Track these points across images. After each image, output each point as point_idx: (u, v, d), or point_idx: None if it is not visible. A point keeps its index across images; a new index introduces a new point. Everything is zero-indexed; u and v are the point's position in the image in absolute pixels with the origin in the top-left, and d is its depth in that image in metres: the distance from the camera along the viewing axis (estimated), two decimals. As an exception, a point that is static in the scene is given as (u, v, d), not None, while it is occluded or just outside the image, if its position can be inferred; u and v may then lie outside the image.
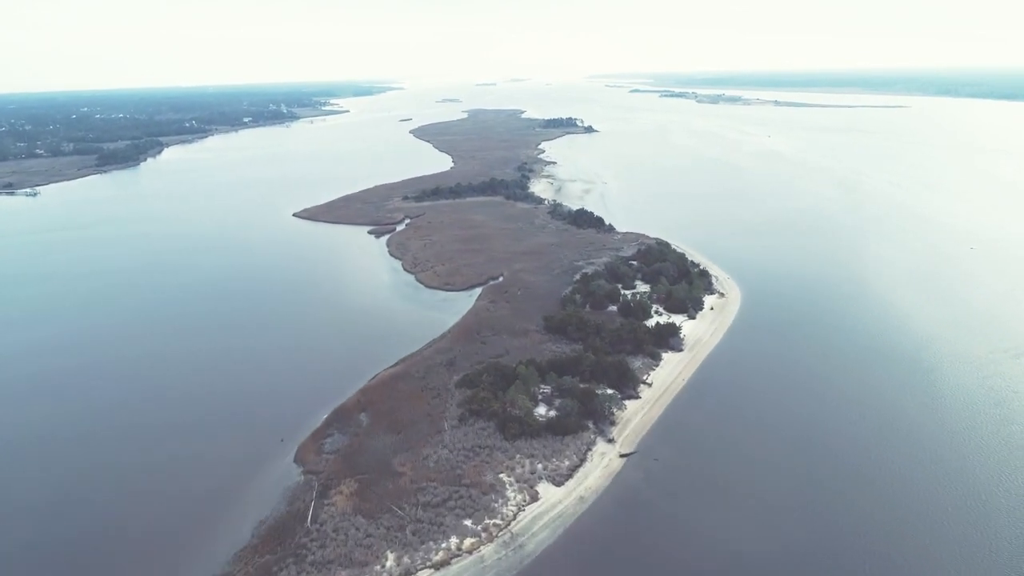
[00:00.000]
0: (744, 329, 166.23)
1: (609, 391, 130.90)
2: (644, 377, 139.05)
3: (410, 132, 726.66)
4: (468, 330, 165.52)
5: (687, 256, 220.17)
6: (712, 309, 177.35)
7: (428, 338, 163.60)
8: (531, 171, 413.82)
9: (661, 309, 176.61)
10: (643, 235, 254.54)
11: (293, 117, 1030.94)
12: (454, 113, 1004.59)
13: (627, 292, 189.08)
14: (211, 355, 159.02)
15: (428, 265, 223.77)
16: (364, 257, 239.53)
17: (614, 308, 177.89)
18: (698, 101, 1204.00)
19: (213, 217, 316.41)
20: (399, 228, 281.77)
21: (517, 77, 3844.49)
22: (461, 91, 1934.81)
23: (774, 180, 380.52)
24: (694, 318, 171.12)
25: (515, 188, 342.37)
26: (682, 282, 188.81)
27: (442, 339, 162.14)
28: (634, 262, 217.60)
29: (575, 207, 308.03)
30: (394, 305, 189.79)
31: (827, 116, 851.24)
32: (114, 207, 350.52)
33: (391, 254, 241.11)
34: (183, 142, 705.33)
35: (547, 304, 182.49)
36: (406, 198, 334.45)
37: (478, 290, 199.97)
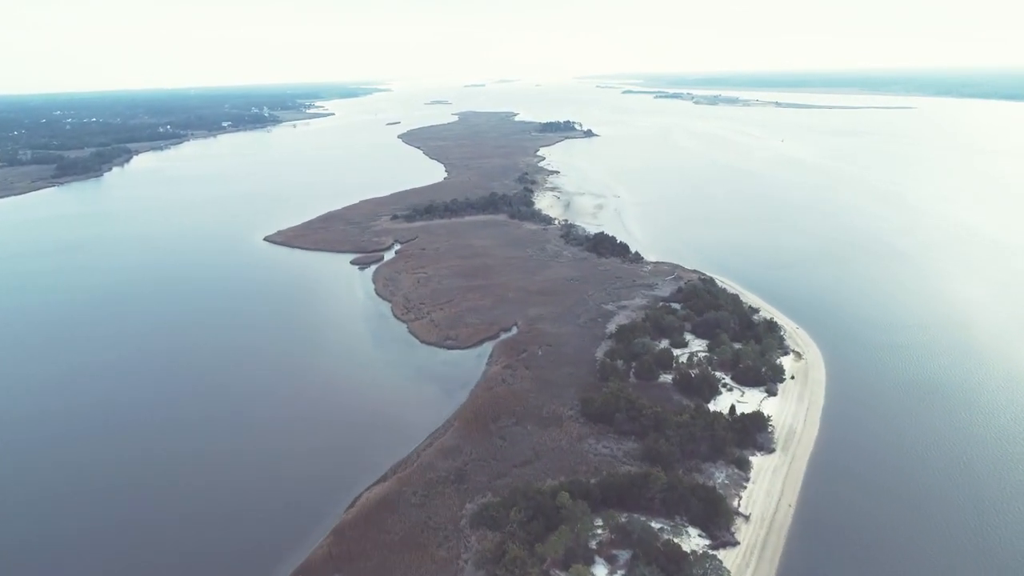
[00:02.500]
0: (844, 409, 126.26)
1: (694, 534, 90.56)
2: (736, 504, 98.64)
3: (398, 137, 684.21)
4: (480, 415, 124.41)
5: (740, 297, 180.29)
6: (793, 378, 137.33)
7: (427, 428, 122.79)
8: (533, 182, 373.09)
9: (728, 379, 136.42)
10: (678, 266, 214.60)
11: (275, 121, 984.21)
12: (444, 116, 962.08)
13: (678, 351, 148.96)
14: (119, 472, 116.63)
15: (423, 310, 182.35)
16: (344, 299, 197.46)
17: (667, 378, 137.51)
18: (695, 102, 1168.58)
19: (169, 243, 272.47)
20: (387, 256, 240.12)
21: (506, 78, 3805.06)
22: (450, 92, 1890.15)
23: (805, 193, 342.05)
24: (775, 393, 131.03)
25: (519, 204, 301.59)
26: (749, 340, 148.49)
27: (446, 430, 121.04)
28: (676, 305, 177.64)
29: (591, 228, 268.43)
30: (381, 373, 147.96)
31: (834, 118, 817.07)
32: (59, 230, 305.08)
33: (378, 293, 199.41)
34: (155, 149, 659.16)
35: (579, 371, 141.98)
36: (395, 217, 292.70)
37: (488, 346, 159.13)
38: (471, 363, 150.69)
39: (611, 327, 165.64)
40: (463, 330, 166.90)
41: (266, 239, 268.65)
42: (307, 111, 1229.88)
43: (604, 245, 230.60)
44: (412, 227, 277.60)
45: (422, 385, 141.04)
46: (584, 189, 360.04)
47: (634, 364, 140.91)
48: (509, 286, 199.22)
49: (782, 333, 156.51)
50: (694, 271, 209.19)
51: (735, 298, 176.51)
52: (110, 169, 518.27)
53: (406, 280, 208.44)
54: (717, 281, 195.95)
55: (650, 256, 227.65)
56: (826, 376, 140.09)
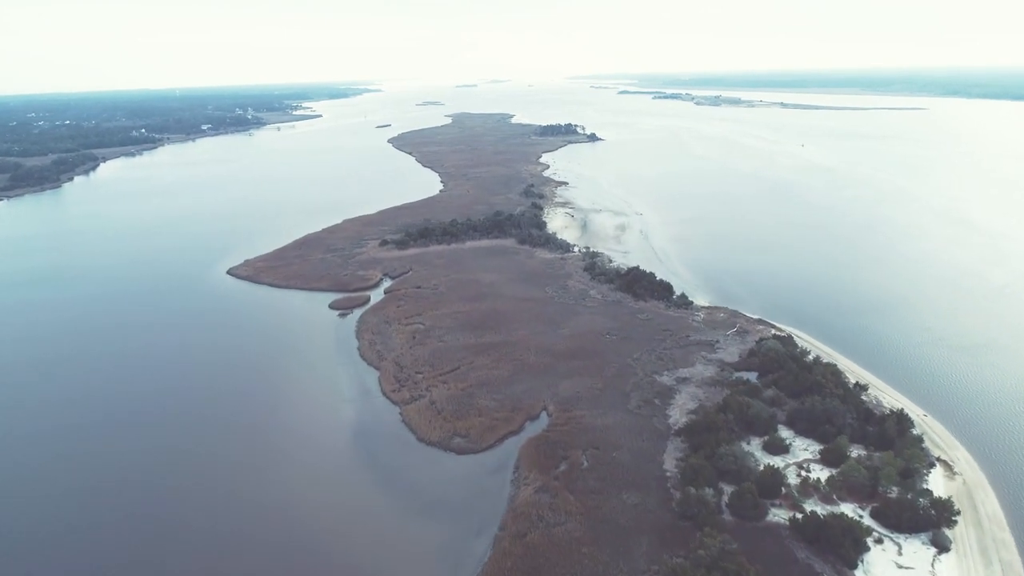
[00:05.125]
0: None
1: None
2: None
3: (389, 141, 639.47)
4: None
5: (836, 365, 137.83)
6: (959, 514, 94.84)
7: (432, 619, 79.58)
8: (541, 196, 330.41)
9: (865, 516, 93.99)
10: (737, 313, 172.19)
11: (259, 123, 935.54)
12: (436, 118, 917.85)
13: (779, 461, 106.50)
14: None
15: (421, 383, 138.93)
16: (317, 364, 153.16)
17: (779, 515, 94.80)
18: (696, 103, 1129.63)
19: (110, 279, 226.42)
20: (375, 297, 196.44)
21: (498, 79, 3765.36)
22: (441, 93, 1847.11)
23: (852, 209, 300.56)
24: (947, 547, 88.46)
25: (529, 227, 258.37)
26: (886, 450, 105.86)
27: (462, 628, 77.89)
28: (751, 376, 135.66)
29: (616, 256, 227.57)
30: (360, 503, 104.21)
31: (846, 120, 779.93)
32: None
33: (362, 355, 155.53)
34: (126, 155, 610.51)
35: (647, 499, 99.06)
36: (385, 243, 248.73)
37: (510, 446, 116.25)
38: (490, 480, 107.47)
39: (674, 414, 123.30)
40: (475, 420, 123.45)
41: (230, 272, 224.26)
42: (293, 112, 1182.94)
43: (641, 284, 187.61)
44: (405, 256, 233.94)
45: (420, 526, 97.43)
46: (600, 204, 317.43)
47: (726, 490, 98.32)
48: (529, 344, 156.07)
49: (919, 432, 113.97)
50: (759, 320, 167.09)
51: (832, 369, 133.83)
52: (71, 179, 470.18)
53: (398, 335, 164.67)
54: (794, 336, 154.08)
55: (698, 297, 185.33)
56: (999, 503, 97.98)
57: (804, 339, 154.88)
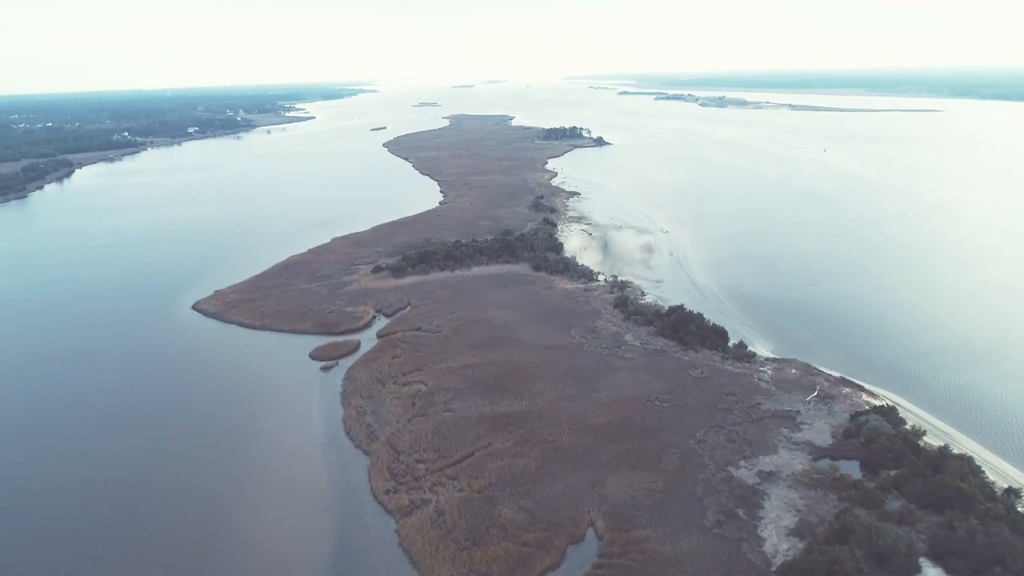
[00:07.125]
0: None
1: None
2: None
3: (383, 145, 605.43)
4: None
5: (973, 459, 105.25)
6: None
7: None
8: (553, 210, 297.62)
9: None
10: (812, 369, 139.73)
11: (249, 125, 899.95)
12: (434, 120, 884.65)
13: (941, 630, 73.89)
14: None
15: (424, 479, 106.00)
16: (288, 446, 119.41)
17: None
18: (701, 104, 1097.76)
19: (48, 320, 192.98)
20: (366, 342, 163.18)
21: (494, 79, 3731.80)
22: (438, 94, 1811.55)
23: (902, 223, 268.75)
24: None
25: (545, 249, 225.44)
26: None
27: None
28: (855, 469, 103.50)
29: (648, 287, 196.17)
30: None
31: (861, 122, 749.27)
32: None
33: (348, 431, 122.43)
34: (105, 160, 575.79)
35: None
36: (378, 269, 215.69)
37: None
38: (526, 659, 74.60)
39: (769, 535, 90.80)
40: (499, 547, 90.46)
41: (196, 307, 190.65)
42: (286, 114, 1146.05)
43: (687, 329, 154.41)
44: (401, 286, 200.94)
45: None
46: (619, 219, 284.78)
47: None
48: (560, 415, 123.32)
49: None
50: (841, 380, 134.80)
51: (969, 465, 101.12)
52: (40, 188, 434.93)
53: (393, 400, 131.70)
54: (898, 408, 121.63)
55: (757, 344, 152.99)
56: None
57: (908, 410, 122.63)
